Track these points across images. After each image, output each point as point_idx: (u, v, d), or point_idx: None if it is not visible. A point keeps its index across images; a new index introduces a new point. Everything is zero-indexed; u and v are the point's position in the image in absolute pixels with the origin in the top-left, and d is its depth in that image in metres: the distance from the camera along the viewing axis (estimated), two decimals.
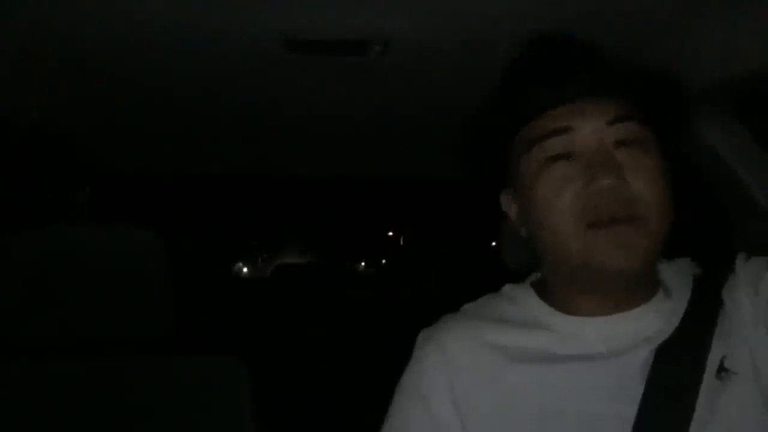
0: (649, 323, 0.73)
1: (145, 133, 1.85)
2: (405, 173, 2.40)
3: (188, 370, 1.16)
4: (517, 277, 0.89)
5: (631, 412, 0.68)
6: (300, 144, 2.00)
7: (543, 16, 1.07)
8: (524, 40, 1.13)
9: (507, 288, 0.85)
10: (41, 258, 1.13)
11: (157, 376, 1.15)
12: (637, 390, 0.69)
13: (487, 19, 1.08)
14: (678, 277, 0.78)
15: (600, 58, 0.80)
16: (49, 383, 1.12)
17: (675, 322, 0.73)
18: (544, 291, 0.81)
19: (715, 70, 1.09)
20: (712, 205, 1.32)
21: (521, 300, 0.82)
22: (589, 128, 0.71)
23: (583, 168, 0.71)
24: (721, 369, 0.69)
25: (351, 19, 1.09)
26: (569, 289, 0.77)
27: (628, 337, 0.72)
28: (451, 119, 1.70)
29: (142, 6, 1.03)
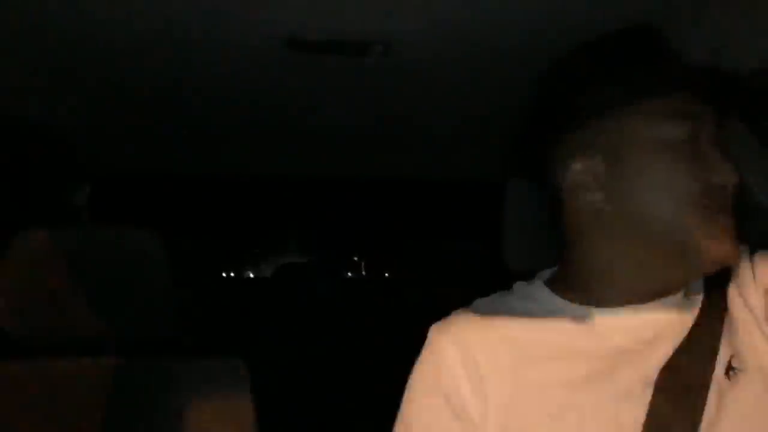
0: (664, 319, 0.74)
1: (146, 133, 1.85)
2: (406, 174, 2.40)
3: (189, 370, 1.16)
4: (517, 278, 0.89)
5: (642, 410, 0.69)
6: (301, 144, 2.00)
7: (544, 18, 1.07)
8: (525, 41, 1.13)
9: (519, 285, 0.85)
10: (41, 258, 1.13)
11: (158, 377, 1.15)
12: (649, 389, 0.69)
13: (488, 20, 1.08)
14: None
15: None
16: (50, 383, 1.12)
17: (689, 321, 0.73)
18: (556, 288, 0.81)
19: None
20: None
21: (535, 295, 0.81)
22: (712, 120, 0.73)
23: (704, 156, 0.72)
24: (730, 368, 0.69)
25: (353, 20, 1.09)
26: (596, 279, 0.77)
27: (644, 329, 0.73)
28: (453, 120, 1.70)
29: (143, 6, 1.03)
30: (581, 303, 0.77)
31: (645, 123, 0.73)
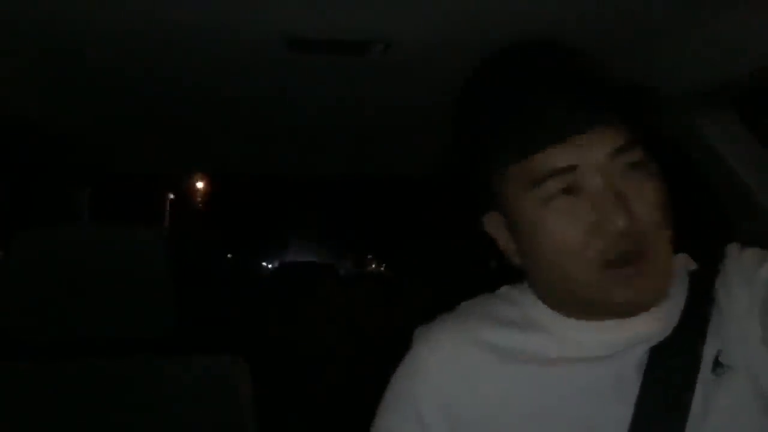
0: (648, 325, 0.73)
1: (146, 132, 1.85)
2: (406, 173, 2.40)
3: (189, 369, 1.16)
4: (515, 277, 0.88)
5: (628, 412, 0.68)
6: (301, 143, 2.00)
7: (544, 17, 1.07)
8: (525, 41, 1.12)
9: (504, 289, 0.85)
10: (41, 258, 1.13)
11: (158, 376, 1.15)
12: (634, 390, 0.69)
13: (488, 19, 1.08)
14: (675, 276, 0.78)
15: (590, 77, 0.71)
16: (49, 383, 1.12)
17: (672, 322, 0.72)
18: (541, 293, 0.81)
19: (716, 70, 1.09)
20: (712, 204, 1.32)
21: (518, 301, 0.81)
22: (592, 163, 0.67)
23: (592, 206, 0.67)
24: (717, 364, 0.69)
25: (353, 19, 1.09)
26: (569, 299, 0.75)
27: (627, 339, 0.72)
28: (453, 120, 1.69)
29: (144, 6, 1.03)
30: (561, 311, 0.76)
31: (518, 183, 0.71)
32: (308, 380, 2.68)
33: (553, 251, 0.69)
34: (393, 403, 0.79)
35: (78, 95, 1.47)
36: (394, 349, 0.85)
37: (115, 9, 1.04)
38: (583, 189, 0.67)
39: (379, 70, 1.33)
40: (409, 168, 2.31)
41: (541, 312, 0.78)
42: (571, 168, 0.67)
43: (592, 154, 0.67)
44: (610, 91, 0.69)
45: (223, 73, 1.35)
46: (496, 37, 1.15)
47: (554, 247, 0.69)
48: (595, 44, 1.13)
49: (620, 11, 1.06)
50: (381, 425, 0.79)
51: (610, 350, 0.72)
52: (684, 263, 0.80)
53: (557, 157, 0.67)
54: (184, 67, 1.31)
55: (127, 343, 1.16)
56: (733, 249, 0.76)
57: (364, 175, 2.48)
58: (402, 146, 2.03)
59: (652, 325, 0.73)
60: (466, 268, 2.28)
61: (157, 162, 2.18)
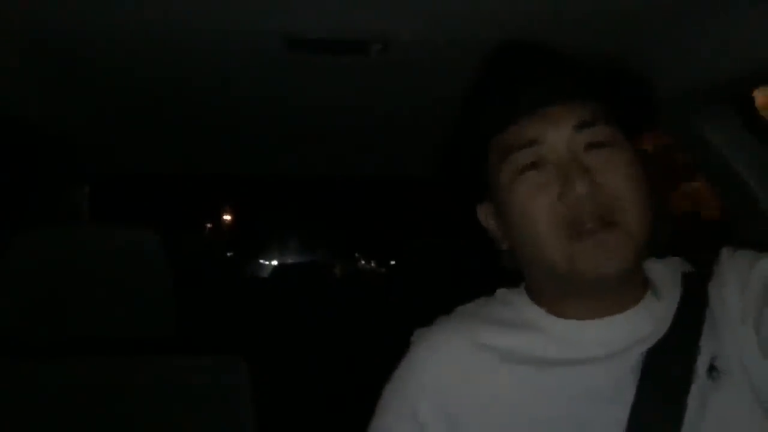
0: (641, 325, 0.73)
1: (145, 132, 1.85)
2: (405, 173, 2.40)
3: (188, 369, 1.16)
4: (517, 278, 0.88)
5: (624, 414, 0.68)
6: (300, 143, 2.00)
7: (543, 16, 1.07)
8: (524, 41, 1.13)
9: (501, 292, 0.85)
10: (41, 258, 1.13)
11: (158, 376, 1.15)
12: (630, 393, 0.69)
13: (486, 19, 1.08)
14: (667, 276, 0.78)
15: (563, 64, 0.79)
16: (50, 383, 1.13)
17: (666, 322, 0.72)
18: (535, 294, 0.81)
19: (716, 70, 1.09)
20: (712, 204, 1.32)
21: (515, 303, 0.81)
22: (557, 136, 0.72)
23: (555, 176, 0.71)
24: (712, 369, 0.69)
25: (352, 18, 1.09)
26: (558, 294, 0.76)
27: (621, 339, 0.72)
28: (452, 119, 1.70)
29: (143, 6, 1.03)
30: (553, 312, 0.77)
31: (497, 160, 0.76)
32: (308, 380, 2.69)
33: (523, 222, 0.73)
34: (391, 403, 0.80)
35: (78, 95, 1.47)
36: (393, 350, 0.86)
37: (114, 9, 1.04)
38: (548, 161, 0.72)
39: (378, 69, 1.33)
40: (407, 168, 2.31)
41: (536, 313, 0.78)
42: (534, 141, 0.73)
43: (556, 127, 0.72)
44: (576, 73, 0.76)
45: (223, 72, 1.36)
46: (495, 37, 1.16)
47: (524, 217, 0.72)
48: (596, 44, 1.13)
49: (620, 11, 1.06)
50: (379, 425, 0.79)
51: (606, 350, 0.72)
52: (678, 265, 0.80)
53: (527, 129, 0.73)
54: (184, 67, 1.31)
55: (127, 343, 1.16)
56: (725, 251, 0.76)
57: (361, 174, 2.48)
58: (400, 146, 2.03)
59: (645, 324, 0.73)
60: (464, 270, 2.28)
61: (157, 162, 2.18)
